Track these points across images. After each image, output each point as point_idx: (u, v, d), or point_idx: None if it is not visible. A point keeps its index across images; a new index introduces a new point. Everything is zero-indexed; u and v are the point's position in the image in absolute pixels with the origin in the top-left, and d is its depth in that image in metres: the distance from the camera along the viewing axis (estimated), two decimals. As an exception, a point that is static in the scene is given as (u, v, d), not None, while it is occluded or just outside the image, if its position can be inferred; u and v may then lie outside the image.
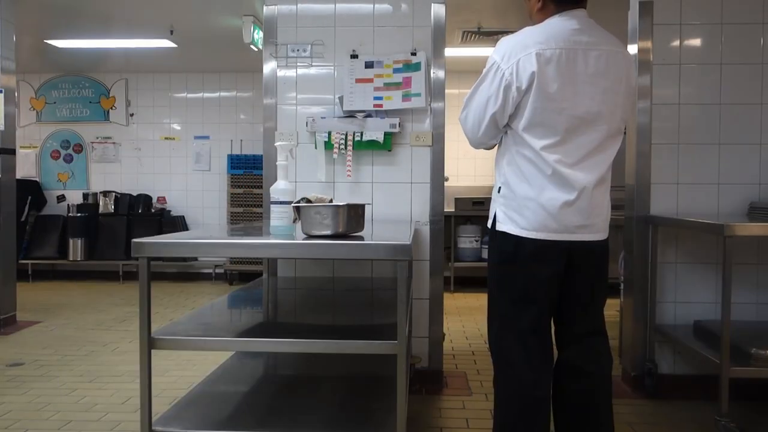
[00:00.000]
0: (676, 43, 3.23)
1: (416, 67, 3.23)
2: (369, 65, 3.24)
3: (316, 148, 3.30)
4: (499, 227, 2.04)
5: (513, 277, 2.03)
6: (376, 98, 3.23)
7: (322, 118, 3.28)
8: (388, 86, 3.22)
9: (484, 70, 2.00)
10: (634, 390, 3.27)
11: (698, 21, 3.21)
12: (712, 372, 2.70)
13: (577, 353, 2.08)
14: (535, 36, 1.94)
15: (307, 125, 3.29)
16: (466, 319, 5.30)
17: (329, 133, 3.26)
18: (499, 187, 2.07)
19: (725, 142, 3.22)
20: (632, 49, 3.32)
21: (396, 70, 3.22)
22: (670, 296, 3.25)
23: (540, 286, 2.00)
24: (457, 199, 6.69)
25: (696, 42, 3.23)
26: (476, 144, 2.14)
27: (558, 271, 2.00)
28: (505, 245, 2.02)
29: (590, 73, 1.93)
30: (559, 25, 1.97)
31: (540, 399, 2.00)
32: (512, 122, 1.99)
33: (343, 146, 3.23)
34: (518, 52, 1.91)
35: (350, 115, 3.26)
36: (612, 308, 5.37)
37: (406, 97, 3.23)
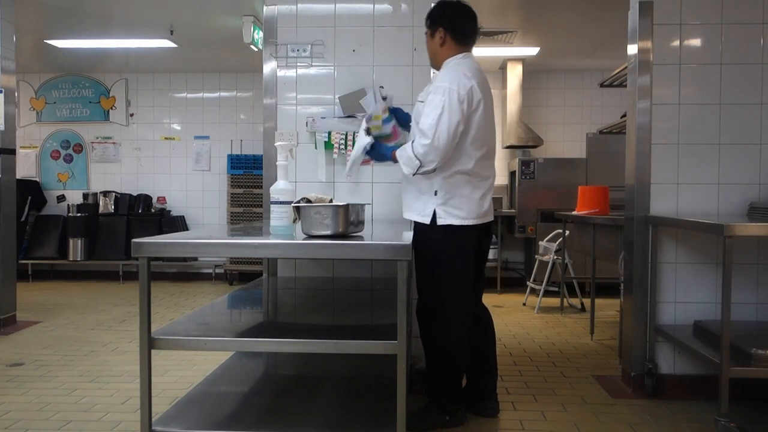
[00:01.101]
0: (676, 43, 3.23)
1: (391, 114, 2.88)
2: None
3: (316, 148, 3.29)
4: (441, 222, 2.61)
5: (457, 255, 2.63)
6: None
7: (322, 118, 3.28)
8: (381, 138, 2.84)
9: (443, 98, 2.49)
10: (634, 390, 3.27)
11: (698, 21, 3.21)
12: (712, 372, 2.71)
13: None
14: (466, 71, 2.59)
15: (307, 125, 3.28)
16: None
17: (329, 133, 3.25)
18: (435, 191, 2.63)
19: (725, 142, 3.22)
20: (632, 49, 3.33)
21: (385, 121, 2.84)
22: (670, 296, 3.25)
23: (471, 257, 2.70)
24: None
25: (696, 42, 3.23)
26: (441, 161, 2.55)
27: (478, 244, 2.74)
28: (448, 235, 2.61)
29: (492, 103, 2.71)
30: (471, 63, 2.67)
31: (466, 345, 2.74)
32: (460, 138, 2.57)
33: (343, 146, 3.22)
34: (466, 83, 2.54)
35: (350, 115, 3.25)
36: (612, 308, 5.41)
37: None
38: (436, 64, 2.78)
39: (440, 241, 2.63)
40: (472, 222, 2.65)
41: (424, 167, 2.54)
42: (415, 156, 2.53)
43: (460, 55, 2.69)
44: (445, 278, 2.64)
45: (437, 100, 2.50)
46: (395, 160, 2.68)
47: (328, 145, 3.26)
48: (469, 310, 2.76)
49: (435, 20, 2.72)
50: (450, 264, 2.64)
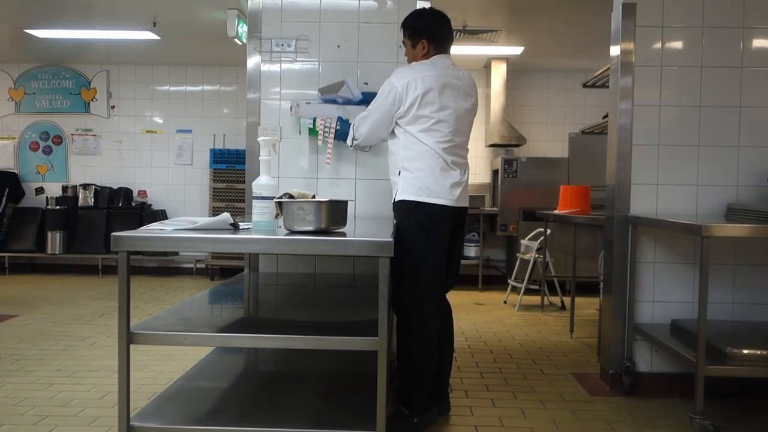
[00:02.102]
0: (658, 45, 3.26)
1: None
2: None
3: (300, 134, 3.26)
4: (402, 197, 2.71)
5: (421, 232, 2.66)
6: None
7: (306, 103, 3.24)
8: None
9: (382, 90, 2.72)
10: (612, 388, 3.30)
11: (680, 24, 3.25)
12: (688, 370, 2.74)
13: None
14: (416, 68, 2.69)
15: (291, 110, 3.24)
16: (460, 315, 5.32)
17: (314, 120, 3.17)
18: (399, 171, 2.77)
19: (704, 144, 3.27)
20: (615, 50, 3.36)
21: None
22: (648, 295, 3.30)
23: (436, 237, 2.70)
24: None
25: (677, 44, 3.27)
26: (365, 140, 2.88)
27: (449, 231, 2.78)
28: (408, 210, 2.69)
29: (460, 97, 2.72)
30: (434, 61, 2.74)
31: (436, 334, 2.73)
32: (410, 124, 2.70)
33: (327, 133, 3.15)
34: (406, 78, 2.64)
35: (332, 100, 3.21)
36: (591, 307, 5.46)
37: None
38: None
39: (404, 216, 2.69)
40: (429, 199, 2.65)
41: (356, 139, 2.88)
42: (353, 127, 2.89)
43: (428, 58, 2.76)
44: (415, 254, 2.65)
45: (380, 90, 2.74)
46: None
47: (313, 132, 3.19)
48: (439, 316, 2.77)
49: (417, 32, 2.78)
50: (423, 256, 2.65)
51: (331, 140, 3.16)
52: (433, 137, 2.65)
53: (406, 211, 2.68)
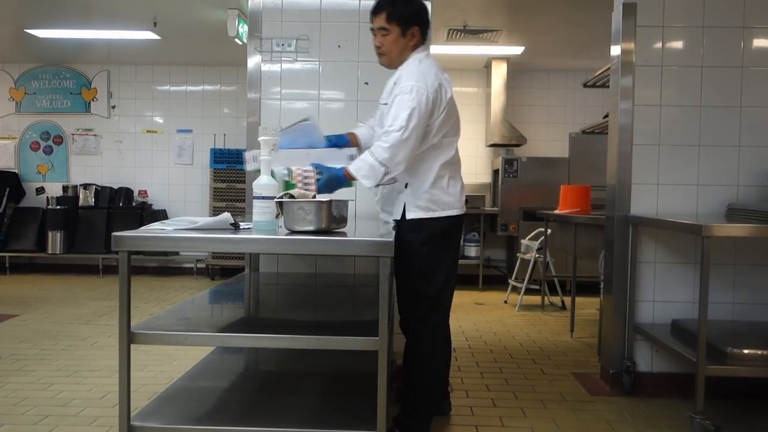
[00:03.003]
0: (659, 45, 3.26)
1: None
2: None
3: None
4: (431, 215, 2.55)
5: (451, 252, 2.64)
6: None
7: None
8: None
9: (412, 96, 2.37)
10: (613, 387, 3.30)
11: (680, 23, 3.25)
12: (688, 370, 2.74)
13: None
14: (435, 70, 2.50)
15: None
16: (461, 315, 5.33)
17: (289, 171, 2.44)
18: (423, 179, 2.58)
19: (705, 144, 3.26)
20: (615, 50, 3.35)
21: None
22: (648, 295, 3.29)
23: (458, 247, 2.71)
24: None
25: (678, 44, 3.26)
26: (407, 163, 2.42)
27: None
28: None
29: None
30: (434, 60, 2.57)
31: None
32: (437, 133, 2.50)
33: (308, 182, 2.44)
34: (434, 82, 2.43)
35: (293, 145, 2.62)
36: (592, 306, 5.46)
37: None
38: (396, 62, 2.56)
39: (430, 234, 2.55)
40: (456, 212, 2.59)
41: (390, 173, 2.37)
42: (380, 162, 2.35)
43: (423, 54, 2.56)
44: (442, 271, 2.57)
45: (406, 99, 2.37)
46: (350, 178, 2.43)
47: (289, 185, 2.39)
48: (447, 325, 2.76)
49: (410, 18, 2.51)
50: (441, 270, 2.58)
51: (315, 192, 2.37)
52: (453, 141, 2.55)
53: (417, 227, 2.51)
